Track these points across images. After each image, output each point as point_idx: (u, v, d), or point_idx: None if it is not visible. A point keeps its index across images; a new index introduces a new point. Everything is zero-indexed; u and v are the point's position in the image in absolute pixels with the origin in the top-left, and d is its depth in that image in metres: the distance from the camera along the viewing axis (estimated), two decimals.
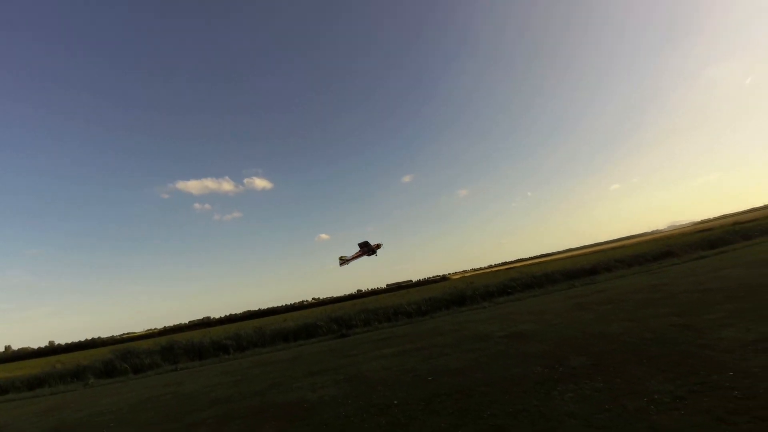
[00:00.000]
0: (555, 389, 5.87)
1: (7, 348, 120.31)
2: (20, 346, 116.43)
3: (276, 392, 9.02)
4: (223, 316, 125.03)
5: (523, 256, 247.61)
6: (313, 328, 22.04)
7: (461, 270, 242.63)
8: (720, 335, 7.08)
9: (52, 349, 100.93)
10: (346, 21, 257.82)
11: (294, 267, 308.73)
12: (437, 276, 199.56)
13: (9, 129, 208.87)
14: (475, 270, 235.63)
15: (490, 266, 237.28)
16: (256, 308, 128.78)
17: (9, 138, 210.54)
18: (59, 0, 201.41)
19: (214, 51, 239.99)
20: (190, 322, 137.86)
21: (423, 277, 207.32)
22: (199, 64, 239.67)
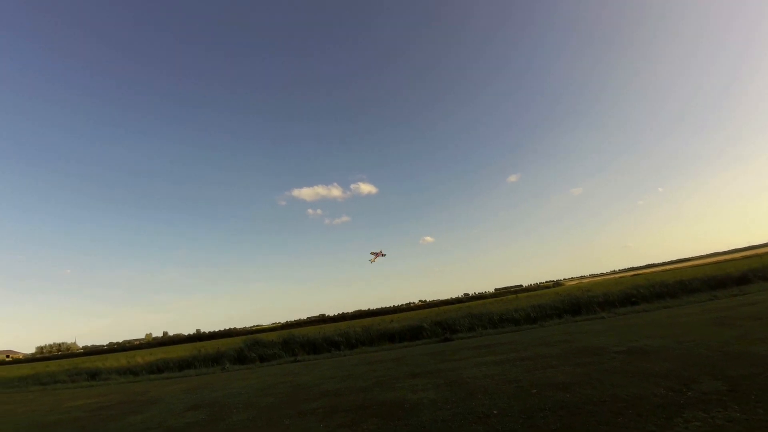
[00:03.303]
0: (679, 415, 5.21)
1: (165, 334, 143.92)
2: (174, 332, 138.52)
3: (379, 390, 9.44)
4: (336, 314, 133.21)
5: (654, 261, 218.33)
6: (418, 330, 22.42)
7: (578, 275, 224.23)
8: None
9: (198, 336, 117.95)
10: (445, 20, 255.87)
11: (400, 269, 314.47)
12: (549, 281, 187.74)
13: (153, 142, 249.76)
14: (594, 276, 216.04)
15: (613, 272, 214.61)
16: (366, 308, 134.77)
17: (157, 151, 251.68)
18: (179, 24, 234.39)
19: (321, 64, 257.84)
20: (308, 318, 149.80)
21: (534, 282, 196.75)
22: (308, 77, 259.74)
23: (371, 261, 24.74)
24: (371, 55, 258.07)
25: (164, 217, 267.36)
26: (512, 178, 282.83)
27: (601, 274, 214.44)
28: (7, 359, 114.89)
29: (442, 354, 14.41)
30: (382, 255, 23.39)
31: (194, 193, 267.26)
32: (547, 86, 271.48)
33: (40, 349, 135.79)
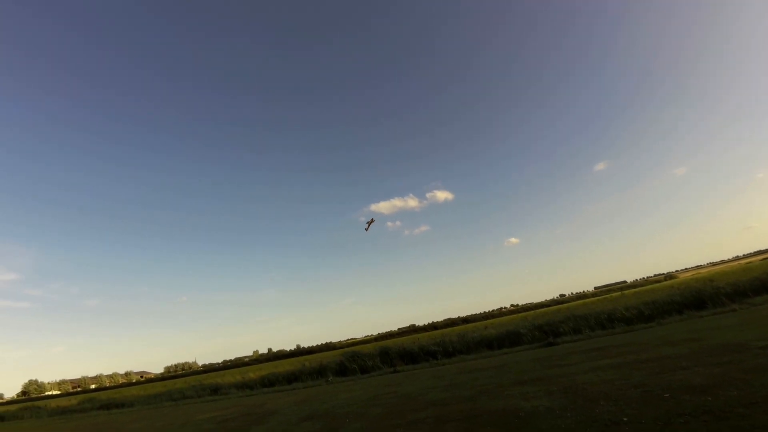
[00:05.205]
0: None
1: (269, 350, 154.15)
2: (278, 348, 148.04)
3: (486, 399, 9.15)
4: (426, 323, 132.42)
5: None
6: (516, 335, 21.52)
7: (693, 265, 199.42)
8: None
9: (299, 351, 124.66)
10: (518, 19, 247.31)
11: (486, 273, 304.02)
12: (659, 275, 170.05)
13: (247, 188, 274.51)
14: (713, 264, 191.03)
15: (737, 258, 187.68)
16: (456, 316, 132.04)
17: (252, 193, 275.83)
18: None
19: (391, 96, 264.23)
20: (398, 329, 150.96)
21: (640, 277, 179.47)
22: (380, 109, 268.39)
23: (366, 230, 29.92)
24: (440, 72, 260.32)
25: (258, 249, 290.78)
26: (600, 167, 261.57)
27: (722, 262, 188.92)
28: (141, 379, 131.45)
29: (549, 359, 13.62)
30: (372, 222, 28.78)
31: (284, 225, 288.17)
32: (633, 65, 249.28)
33: (168, 368, 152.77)
